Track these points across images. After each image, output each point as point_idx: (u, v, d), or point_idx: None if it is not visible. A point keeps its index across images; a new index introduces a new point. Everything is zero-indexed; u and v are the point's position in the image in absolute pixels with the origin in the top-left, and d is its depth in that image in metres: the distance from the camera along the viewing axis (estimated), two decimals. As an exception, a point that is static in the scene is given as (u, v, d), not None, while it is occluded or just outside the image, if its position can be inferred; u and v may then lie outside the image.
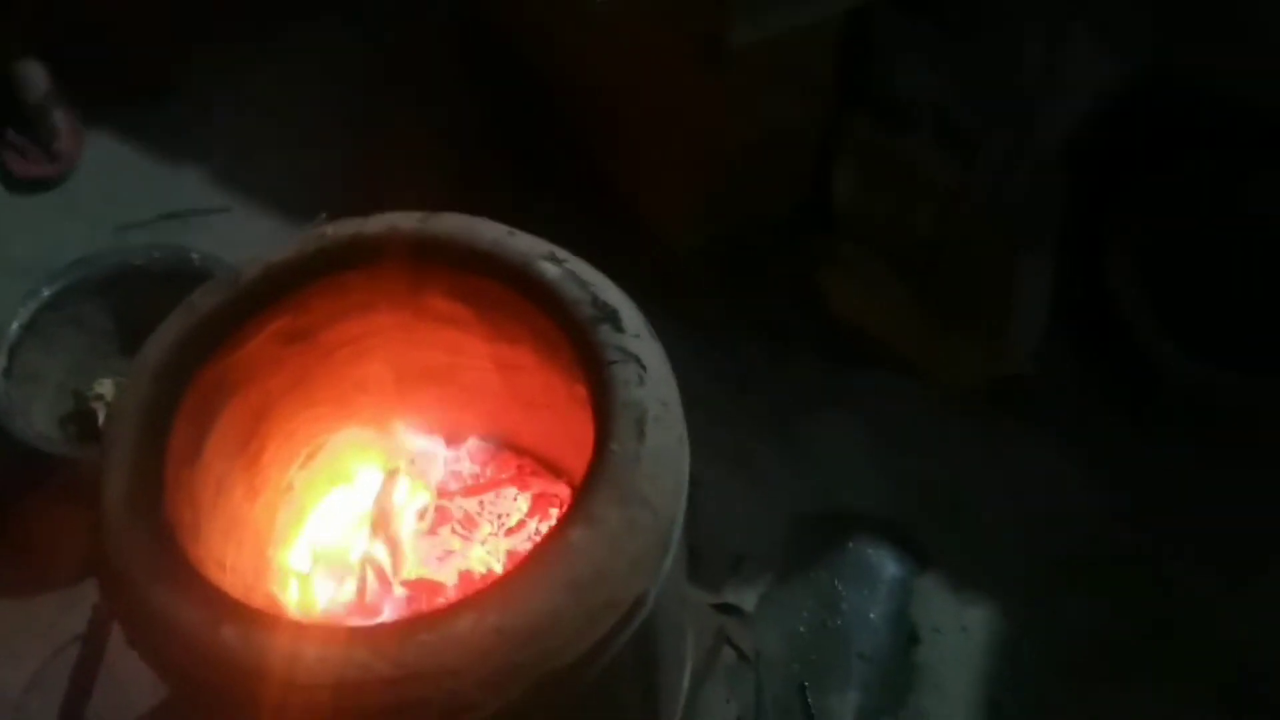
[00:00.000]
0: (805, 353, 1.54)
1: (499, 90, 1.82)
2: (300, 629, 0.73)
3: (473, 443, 1.20)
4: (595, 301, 0.85)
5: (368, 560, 1.12)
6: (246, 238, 1.62)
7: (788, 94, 1.46)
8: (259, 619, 0.73)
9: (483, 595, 0.73)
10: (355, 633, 0.73)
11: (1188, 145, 1.40)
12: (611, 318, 0.84)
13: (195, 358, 0.83)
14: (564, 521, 0.76)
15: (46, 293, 1.42)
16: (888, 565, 1.37)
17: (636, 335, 0.84)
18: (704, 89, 1.41)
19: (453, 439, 1.20)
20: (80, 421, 1.42)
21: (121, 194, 1.75)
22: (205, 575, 0.74)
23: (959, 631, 1.31)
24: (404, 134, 1.75)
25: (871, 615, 1.33)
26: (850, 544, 1.39)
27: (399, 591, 1.11)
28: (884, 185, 1.49)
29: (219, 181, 1.73)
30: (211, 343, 0.85)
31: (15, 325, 1.39)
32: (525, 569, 0.74)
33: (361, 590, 1.10)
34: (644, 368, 0.82)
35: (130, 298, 1.42)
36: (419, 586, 1.11)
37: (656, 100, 1.50)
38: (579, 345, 0.84)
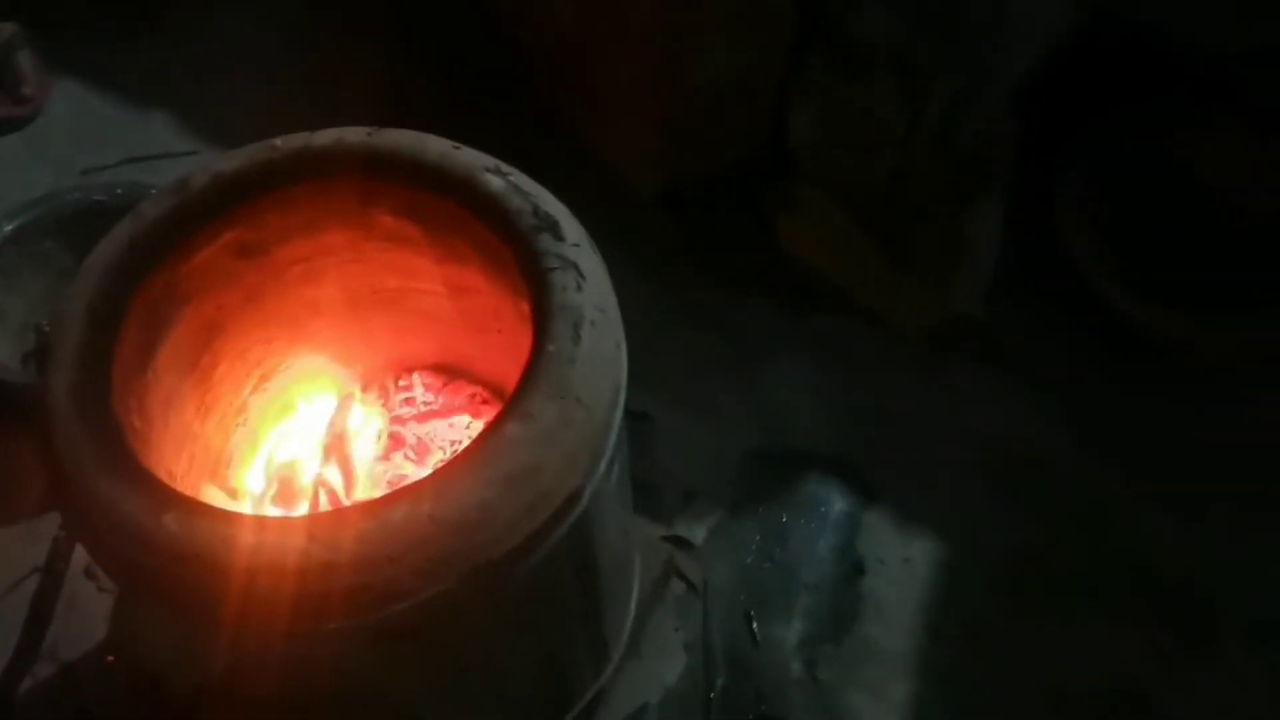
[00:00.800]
0: (760, 295, 1.57)
1: (462, 30, 1.83)
2: (237, 518, 0.75)
3: (426, 370, 1.22)
4: (536, 211, 0.87)
5: (320, 482, 1.14)
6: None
7: (747, 33, 1.48)
8: (199, 508, 0.75)
9: (418, 486, 0.76)
10: (292, 521, 0.76)
11: (1132, 91, 1.43)
12: (552, 227, 0.87)
13: (144, 262, 0.85)
14: (499, 417, 0.78)
15: (8, 228, 1.43)
16: (835, 499, 1.40)
17: (575, 244, 0.87)
18: (664, 27, 1.42)
19: (406, 366, 1.22)
20: (42, 358, 1.42)
21: (87, 137, 1.76)
22: (147, 467, 0.76)
23: (902, 563, 1.35)
24: (368, 76, 1.76)
25: (818, 547, 1.36)
26: (801, 481, 1.42)
27: (351, 513, 1.13)
28: (841, 129, 1.51)
29: (185, 126, 1.74)
30: (160, 248, 0.86)
31: (-23, 262, 1.40)
32: (460, 462, 0.77)
33: (314, 511, 1.13)
34: (582, 275, 0.84)
35: (93, 236, 1.41)
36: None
37: (615, 40, 1.52)
38: (521, 254, 0.86)
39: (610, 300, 0.86)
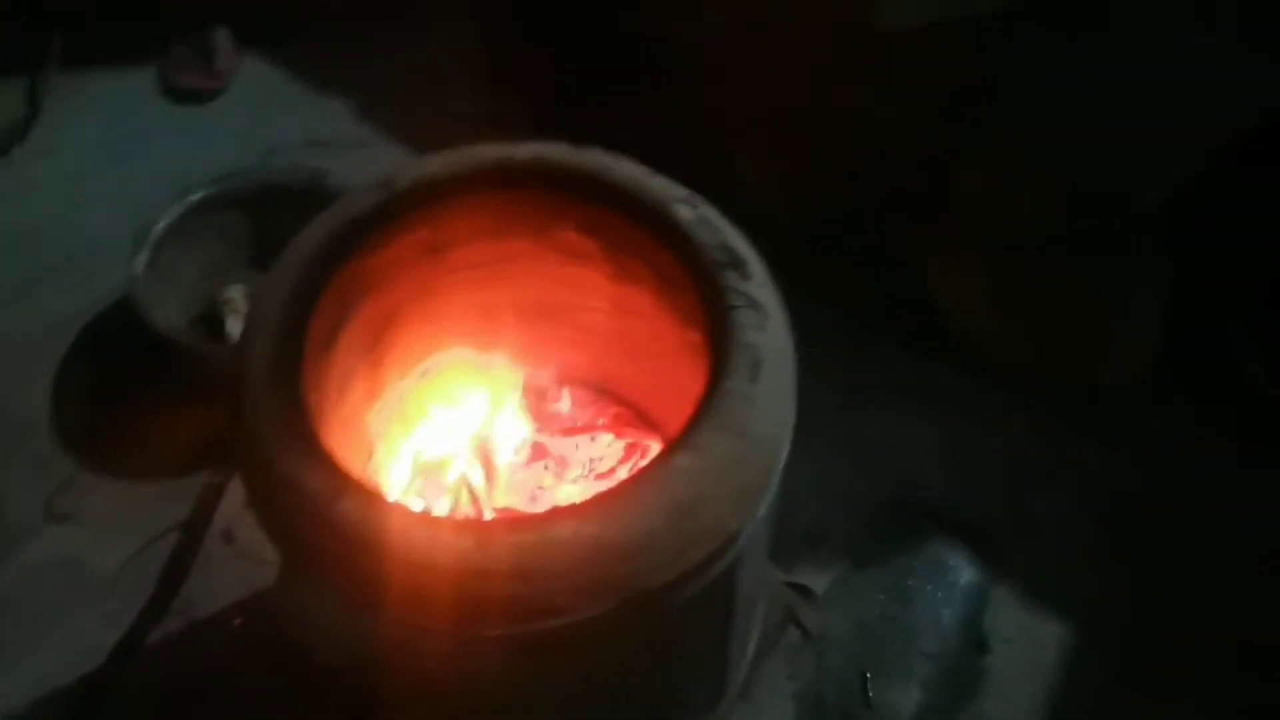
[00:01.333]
0: (892, 339, 1.55)
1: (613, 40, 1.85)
2: (409, 513, 0.77)
3: (576, 384, 1.24)
4: (724, 247, 0.88)
5: (464, 482, 1.16)
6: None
7: (923, 79, 1.46)
8: (375, 498, 0.77)
9: (585, 506, 0.76)
10: (462, 524, 0.77)
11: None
12: (739, 264, 0.87)
13: (343, 251, 0.88)
14: (670, 447, 0.79)
15: (194, 198, 1.50)
16: (965, 569, 1.36)
17: (762, 284, 0.87)
18: (834, 64, 1.41)
19: (559, 379, 1.24)
20: (209, 322, 1.49)
21: (271, 117, 1.84)
22: (328, 449, 0.78)
23: (1030, 643, 1.30)
24: (522, 79, 1.80)
25: (943, 615, 1.33)
26: (929, 542, 1.39)
27: (489, 516, 1.15)
28: (1009, 182, 1.48)
29: (360, 117, 1.80)
30: (359, 240, 0.89)
31: (162, 224, 1.47)
32: (628, 486, 0.77)
33: (456, 510, 1.15)
34: (765, 315, 0.84)
35: (269, 212, 1.49)
36: (507, 514, 1.15)
37: (777, 73, 1.51)
38: (705, 287, 0.86)
39: (788, 343, 0.86)
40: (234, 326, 1.44)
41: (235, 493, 1.40)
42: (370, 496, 0.76)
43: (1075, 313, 1.46)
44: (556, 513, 0.76)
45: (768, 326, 0.84)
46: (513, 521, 0.76)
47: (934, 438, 1.49)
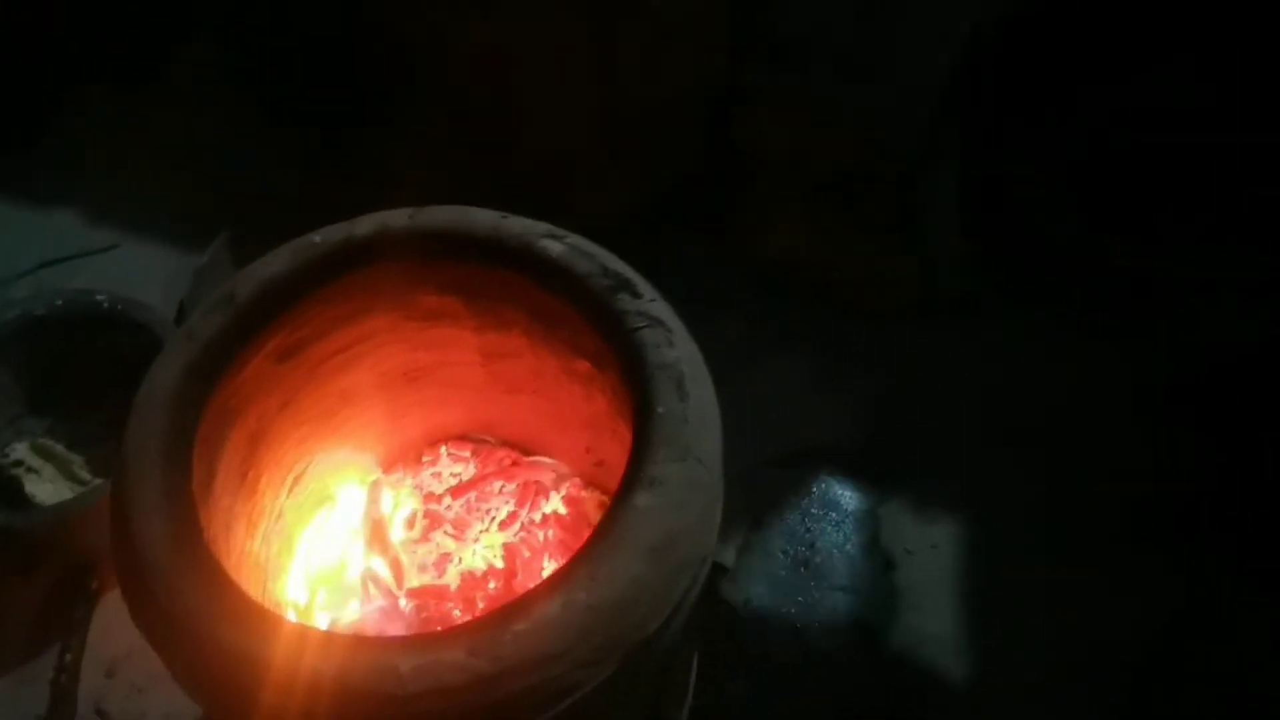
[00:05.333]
0: (737, 299, 1.57)
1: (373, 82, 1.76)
2: (391, 642, 0.71)
3: (451, 441, 1.18)
4: (606, 271, 0.85)
5: (369, 576, 1.09)
6: (142, 273, 1.52)
7: (687, 44, 1.47)
8: (347, 643, 0.70)
9: (565, 574, 0.73)
10: (445, 636, 0.72)
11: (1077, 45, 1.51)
12: (626, 285, 0.85)
13: (204, 385, 0.79)
14: (627, 488, 0.76)
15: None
16: (853, 498, 1.42)
17: (653, 299, 0.85)
18: (591, 46, 1.40)
19: (431, 440, 1.18)
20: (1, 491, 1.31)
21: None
22: (273, 611, 0.71)
23: (930, 549, 1.37)
24: (267, 136, 1.68)
25: (847, 547, 1.38)
26: (815, 481, 1.43)
27: (405, 604, 1.08)
28: (790, 125, 1.53)
29: (102, 220, 1.62)
30: (218, 369, 0.80)
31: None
32: (601, 540, 0.74)
33: (367, 607, 1.07)
34: (670, 329, 0.83)
35: (35, 352, 1.32)
36: (424, 594, 1.09)
37: (542, 62, 1.49)
38: (598, 315, 0.84)
39: (696, 351, 0.85)
40: (37, 488, 1.27)
41: (93, 664, 1.25)
42: (340, 645, 0.69)
43: (882, 232, 1.53)
44: (540, 590, 0.72)
45: (675, 340, 0.82)
46: (499, 615, 0.71)
47: (799, 382, 1.52)
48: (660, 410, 0.79)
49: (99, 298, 1.33)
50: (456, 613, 1.07)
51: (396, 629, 1.05)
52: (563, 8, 1.40)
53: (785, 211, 1.57)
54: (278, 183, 1.63)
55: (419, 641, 0.72)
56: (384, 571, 1.10)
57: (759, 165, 1.56)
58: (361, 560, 1.10)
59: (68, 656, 1.26)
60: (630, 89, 1.50)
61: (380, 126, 1.67)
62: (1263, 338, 1.31)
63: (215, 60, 1.84)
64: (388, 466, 1.16)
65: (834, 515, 1.41)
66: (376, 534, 1.11)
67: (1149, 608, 1.30)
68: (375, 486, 1.13)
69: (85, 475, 1.32)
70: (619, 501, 0.76)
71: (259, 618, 0.69)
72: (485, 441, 1.19)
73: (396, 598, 1.08)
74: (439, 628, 0.97)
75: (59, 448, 1.32)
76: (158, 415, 0.76)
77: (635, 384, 0.81)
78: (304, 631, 0.70)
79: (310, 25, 1.70)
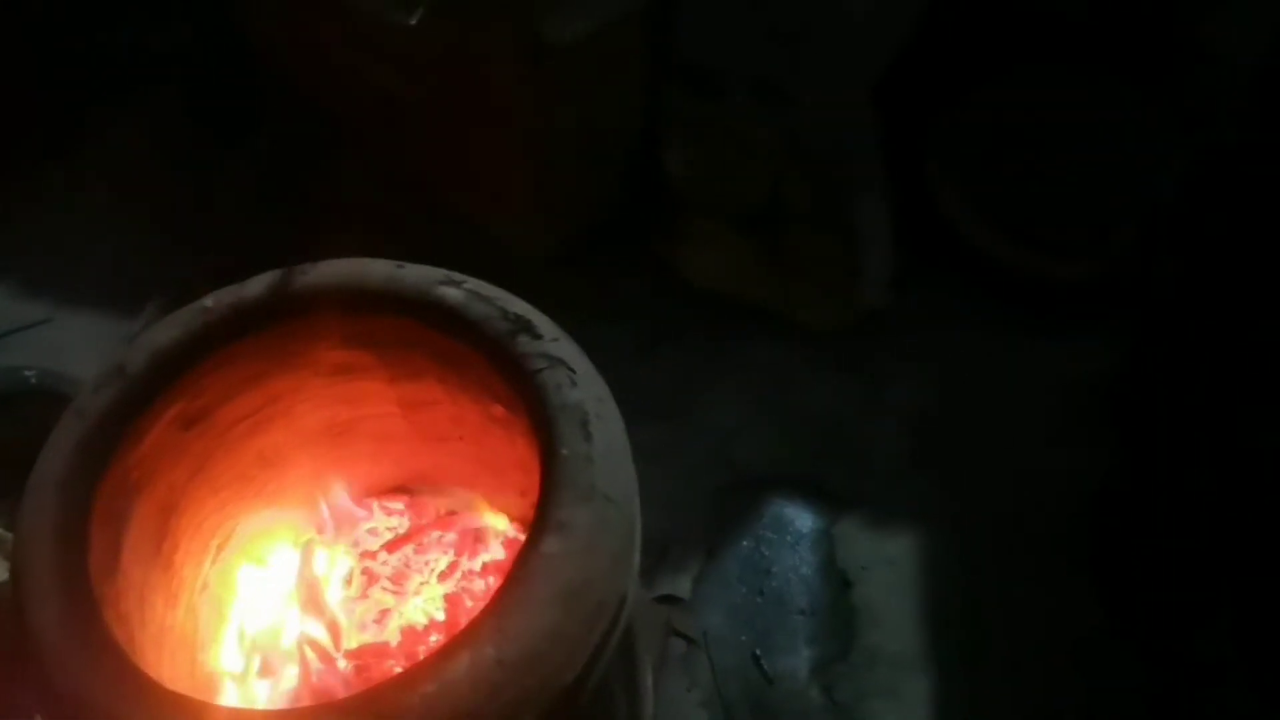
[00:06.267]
0: (674, 331, 1.57)
1: (289, 136, 1.76)
2: (291, 716, 0.69)
3: (384, 495, 1.16)
4: (505, 315, 0.84)
5: (304, 640, 1.07)
6: (75, 346, 1.50)
7: (609, 81, 1.47)
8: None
9: (474, 629, 0.71)
10: (350, 704, 0.70)
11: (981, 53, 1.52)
12: (526, 327, 0.83)
13: (97, 463, 0.77)
14: (534, 534, 0.74)
15: None
16: (805, 519, 1.40)
17: (555, 339, 0.84)
18: (526, 92, 1.41)
19: (364, 494, 1.15)
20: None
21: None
22: (181, 692, 0.69)
23: (886, 565, 1.36)
24: (203, 203, 1.67)
25: (802, 570, 1.36)
26: (765, 508, 1.42)
27: (344, 665, 1.06)
28: (711, 154, 1.53)
29: (30, 294, 1.60)
30: (111, 444, 0.78)
31: None
32: (509, 591, 0.72)
33: (305, 672, 1.05)
34: (572, 370, 0.82)
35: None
36: (364, 654, 1.06)
37: (471, 110, 1.49)
38: (499, 360, 0.82)
39: (603, 389, 0.84)
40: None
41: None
42: (239, 714, 0.67)
43: (814, 256, 1.53)
44: (447, 647, 0.71)
45: (578, 380, 0.81)
46: (403, 678, 0.69)
47: (741, 411, 1.51)
48: (564, 452, 0.77)
49: (27, 373, 1.31)
50: (398, 669, 1.05)
51: (337, 691, 1.03)
52: (488, 46, 1.40)
53: (716, 238, 1.56)
54: (210, 248, 1.61)
55: (320, 713, 0.70)
56: (320, 634, 1.07)
57: (687, 194, 1.56)
58: (297, 624, 1.08)
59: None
60: (553, 127, 1.50)
61: (314, 180, 1.67)
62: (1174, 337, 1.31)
63: (140, 127, 1.83)
64: (320, 526, 1.14)
65: (788, 538, 1.40)
66: (311, 596, 1.08)
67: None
68: (308, 547, 1.11)
69: (20, 555, 1.29)
70: (526, 549, 0.74)
71: (159, 698, 0.67)
72: (418, 491, 1.17)
73: (334, 660, 1.06)
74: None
75: (-1, 528, 1.30)
76: (49, 496, 0.74)
77: (538, 427, 0.79)
78: (204, 709, 0.68)
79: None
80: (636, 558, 0.81)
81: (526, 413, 0.82)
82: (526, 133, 1.51)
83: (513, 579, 0.73)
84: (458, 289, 0.85)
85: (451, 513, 1.16)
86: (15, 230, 1.71)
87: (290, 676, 1.05)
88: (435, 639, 1.06)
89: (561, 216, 1.59)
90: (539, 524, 0.75)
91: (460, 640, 0.71)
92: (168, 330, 0.83)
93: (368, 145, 1.67)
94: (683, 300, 1.59)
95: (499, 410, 0.94)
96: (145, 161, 1.78)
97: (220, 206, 1.65)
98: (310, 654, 1.06)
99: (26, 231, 1.71)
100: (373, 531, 1.15)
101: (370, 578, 1.12)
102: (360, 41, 1.58)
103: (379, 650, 1.07)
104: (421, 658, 1.03)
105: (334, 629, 1.07)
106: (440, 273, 0.86)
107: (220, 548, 1.02)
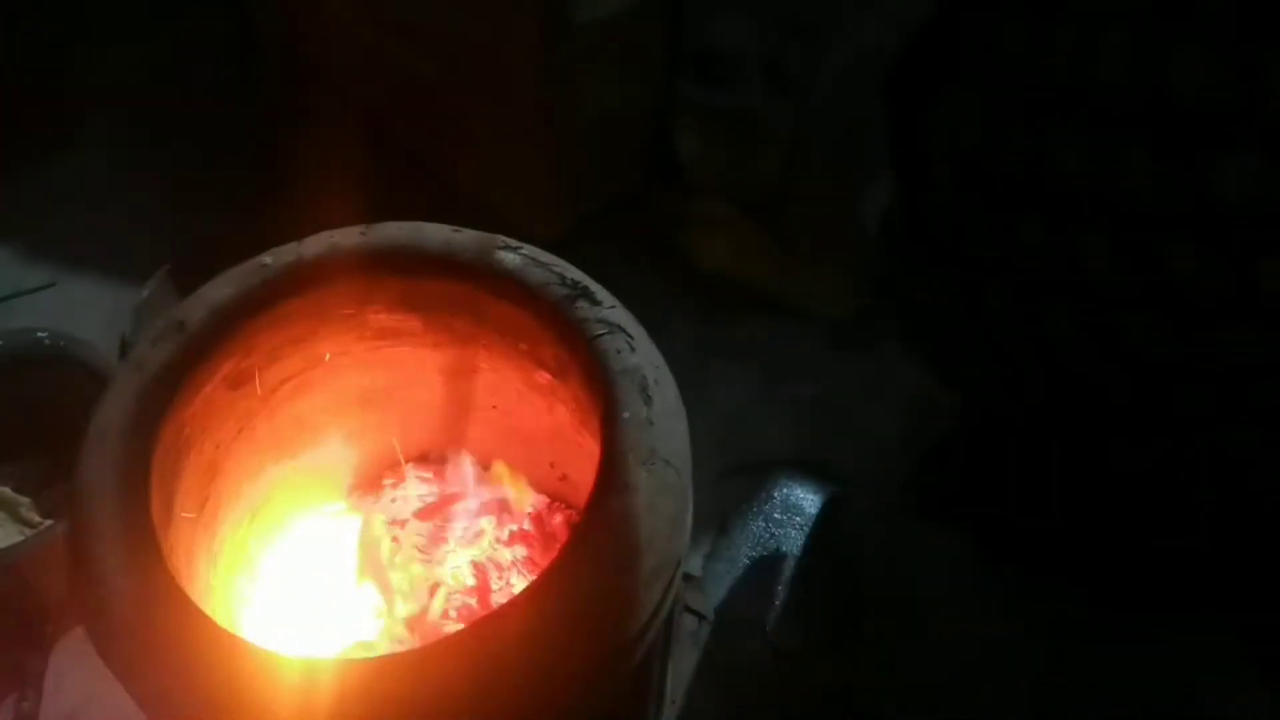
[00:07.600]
0: (682, 315, 1.58)
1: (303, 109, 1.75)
2: (383, 662, 0.69)
3: (414, 463, 1.16)
4: (564, 280, 0.85)
5: (358, 603, 1.06)
6: (82, 310, 1.49)
7: (629, 62, 1.48)
8: (333, 668, 0.69)
9: (539, 586, 0.72)
10: (440, 649, 0.70)
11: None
12: (585, 293, 0.85)
13: (157, 414, 0.77)
14: (598, 494, 0.76)
15: None
16: (812, 500, 1.42)
17: (612, 306, 0.85)
18: (536, 69, 1.41)
19: (393, 463, 1.16)
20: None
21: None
22: (252, 642, 0.69)
23: (894, 546, 1.38)
24: (208, 171, 1.66)
25: (810, 550, 1.38)
26: (774, 488, 1.44)
27: (392, 629, 1.06)
28: (723, 140, 1.54)
29: (37, 258, 1.58)
30: (170, 396, 0.78)
31: None
32: (573, 548, 0.74)
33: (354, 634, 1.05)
34: (630, 335, 0.83)
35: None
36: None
37: (485, 88, 1.48)
38: (559, 324, 0.83)
39: (659, 355, 0.85)
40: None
41: (52, 714, 1.21)
42: (320, 662, 0.68)
43: (820, 243, 1.55)
44: (512, 605, 0.71)
45: (637, 346, 0.82)
46: (501, 613, 0.70)
47: (748, 394, 1.52)
48: (626, 415, 0.78)
49: (40, 335, 1.29)
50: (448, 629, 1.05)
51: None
52: (512, 21, 1.40)
53: (724, 223, 1.58)
54: (216, 218, 1.60)
55: (415, 658, 0.70)
56: (374, 597, 1.07)
57: (697, 178, 1.57)
58: (345, 588, 1.08)
59: (25, 705, 1.22)
60: (570, 108, 1.50)
61: (315, 150, 1.66)
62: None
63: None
64: (351, 492, 1.15)
65: (796, 519, 1.42)
66: (370, 562, 1.08)
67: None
68: (351, 514, 1.11)
69: (34, 518, 1.28)
70: (590, 509, 0.76)
71: (232, 645, 0.67)
72: (449, 461, 1.17)
73: (384, 623, 1.06)
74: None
75: (6, 490, 1.28)
76: (112, 446, 0.74)
77: (598, 391, 0.80)
78: (275, 657, 0.68)
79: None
80: (689, 521, 0.82)
81: (582, 378, 0.83)
82: (545, 113, 1.51)
83: (577, 536, 0.74)
84: (515, 254, 0.86)
85: (478, 481, 1.17)
86: (20, 193, 1.68)
87: (334, 638, 1.05)
88: (467, 604, 1.07)
89: (573, 199, 1.59)
90: (603, 485, 0.76)
91: (526, 597, 0.71)
92: (226, 286, 0.83)
93: (375, 121, 1.66)
94: (690, 284, 1.61)
95: (544, 377, 0.95)
96: (151, 126, 1.77)
97: (225, 179, 1.63)
98: (367, 615, 1.06)
99: (31, 195, 1.69)
100: (404, 500, 1.16)
101: (401, 545, 1.12)
102: (373, 15, 1.57)
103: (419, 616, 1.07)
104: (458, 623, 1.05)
105: (387, 592, 1.07)
106: (498, 238, 0.87)
107: (255, 511, 1.02)
